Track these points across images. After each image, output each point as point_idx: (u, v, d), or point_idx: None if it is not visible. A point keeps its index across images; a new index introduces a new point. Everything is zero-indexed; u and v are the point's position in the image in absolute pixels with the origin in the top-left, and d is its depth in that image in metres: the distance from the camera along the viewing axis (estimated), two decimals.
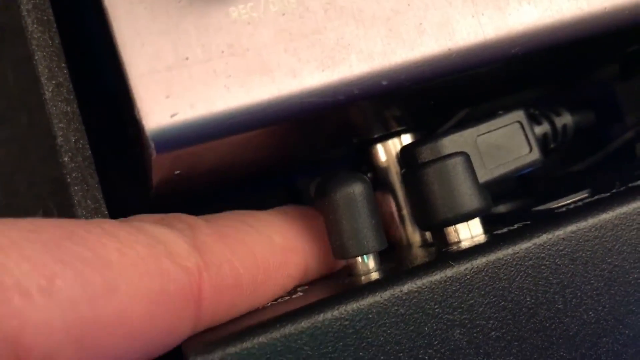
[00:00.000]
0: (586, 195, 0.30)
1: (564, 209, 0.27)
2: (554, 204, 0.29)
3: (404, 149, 0.28)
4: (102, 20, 0.20)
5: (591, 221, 0.26)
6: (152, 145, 0.20)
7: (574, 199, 0.30)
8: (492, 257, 0.25)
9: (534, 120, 0.29)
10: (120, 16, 0.20)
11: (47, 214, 0.27)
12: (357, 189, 0.26)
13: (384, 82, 0.22)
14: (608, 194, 0.28)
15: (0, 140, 0.34)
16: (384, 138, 0.31)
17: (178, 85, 0.20)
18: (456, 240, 0.27)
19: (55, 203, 0.27)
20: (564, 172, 0.38)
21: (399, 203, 0.30)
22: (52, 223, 0.18)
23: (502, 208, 0.34)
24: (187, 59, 0.20)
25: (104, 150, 0.25)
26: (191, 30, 0.21)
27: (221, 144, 0.22)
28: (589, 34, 0.26)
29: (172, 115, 0.20)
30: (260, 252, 0.22)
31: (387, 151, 0.31)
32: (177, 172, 0.22)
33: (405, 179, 0.29)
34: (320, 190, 0.26)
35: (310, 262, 0.25)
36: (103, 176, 0.24)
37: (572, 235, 0.26)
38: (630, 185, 0.28)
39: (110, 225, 0.19)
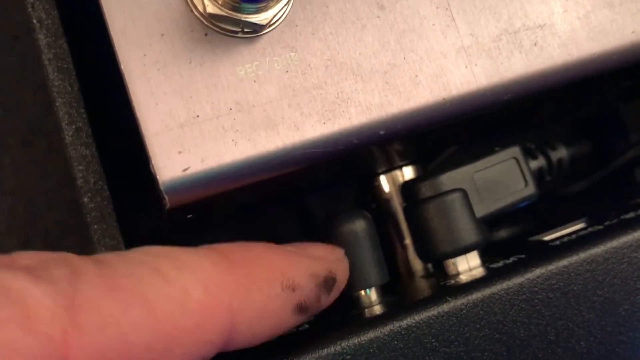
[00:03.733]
0: (582, 225, 0.32)
1: (557, 242, 0.29)
2: (549, 235, 0.31)
3: (405, 185, 0.30)
4: (119, 80, 0.22)
5: (582, 255, 0.27)
6: (166, 197, 0.21)
7: (570, 230, 0.31)
8: (487, 292, 0.26)
9: (530, 155, 0.30)
10: (136, 77, 0.22)
11: (69, 247, 0.29)
12: (359, 226, 0.27)
13: (382, 132, 0.24)
14: (601, 227, 0.29)
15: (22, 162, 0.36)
16: (386, 171, 0.32)
17: (189, 141, 0.22)
18: (455, 272, 0.28)
19: (75, 240, 0.28)
20: (565, 192, 0.39)
21: (401, 233, 0.31)
22: None
23: (503, 233, 0.36)
24: (197, 116, 0.22)
25: (122, 188, 0.27)
26: (201, 89, 0.22)
27: (231, 190, 0.23)
28: (579, 77, 0.27)
29: (185, 170, 0.21)
30: (165, 311, 0.17)
31: (389, 184, 0.32)
32: (189, 216, 0.24)
33: (407, 213, 0.30)
34: (325, 228, 0.28)
35: (241, 323, 0.19)
36: (121, 214, 0.25)
37: (564, 269, 0.27)
38: (622, 217, 0.29)
39: None
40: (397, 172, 0.31)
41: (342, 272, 0.23)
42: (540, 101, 0.27)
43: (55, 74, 0.24)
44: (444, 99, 0.24)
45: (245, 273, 0.19)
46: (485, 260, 0.29)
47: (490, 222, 0.29)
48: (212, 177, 0.21)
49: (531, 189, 0.29)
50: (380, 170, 0.31)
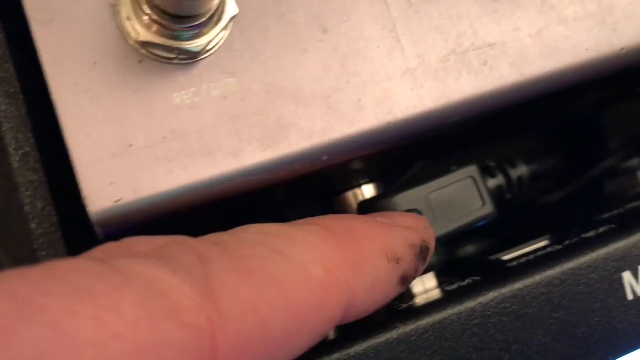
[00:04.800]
0: (545, 243, 0.31)
1: (515, 262, 0.28)
2: (509, 254, 0.30)
3: (360, 205, 0.29)
4: (52, 107, 0.22)
5: (538, 278, 0.26)
6: (99, 229, 0.21)
7: (531, 248, 0.30)
8: (438, 316, 0.25)
9: (488, 173, 0.29)
10: (67, 107, 0.21)
11: None
12: None
13: (325, 157, 0.23)
14: (560, 246, 0.28)
15: None
16: (348, 189, 0.31)
17: (121, 172, 0.21)
18: (410, 294, 0.28)
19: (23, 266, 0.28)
20: (540, 203, 0.38)
21: None
22: None
23: (470, 248, 0.35)
24: (130, 145, 0.21)
25: (71, 214, 0.26)
26: (135, 118, 0.21)
27: (171, 215, 0.23)
28: (532, 96, 0.26)
29: (116, 201, 0.21)
30: (294, 291, 0.16)
31: (351, 202, 0.32)
32: None
33: None
34: None
35: (356, 297, 0.19)
36: (69, 240, 0.25)
37: (519, 292, 0.26)
38: (582, 236, 0.29)
39: (82, 275, 0.14)
40: (357, 191, 0.31)
41: (432, 241, 0.23)
42: (495, 119, 0.27)
43: (2, 98, 0.24)
44: (388, 122, 0.23)
45: (353, 247, 0.19)
46: (442, 280, 0.28)
47: (449, 242, 0.28)
48: (145, 206, 0.21)
49: (488, 208, 0.28)
50: (341, 188, 0.31)
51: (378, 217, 0.22)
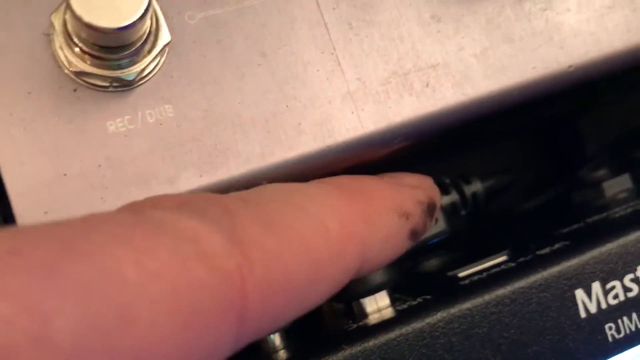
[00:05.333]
0: (503, 259, 0.31)
1: (467, 280, 0.28)
2: (466, 270, 0.30)
3: None
4: None
5: (487, 297, 0.26)
6: None
7: (490, 264, 0.30)
8: (385, 338, 0.25)
9: (442, 189, 0.29)
10: (1, 136, 0.21)
11: None
12: None
13: (264, 182, 0.23)
14: (513, 264, 0.28)
15: None
16: None
17: (56, 201, 0.21)
18: (364, 313, 0.28)
19: None
20: (518, 211, 0.38)
21: None
22: (39, 235, 0.13)
23: (432, 263, 0.35)
24: (65, 175, 0.21)
25: None
26: (70, 147, 0.21)
27: None
28: (477, 116, 0.26)
29: None
30: (314, 242, 0.17)
31: None
32: None
33: None
34: None
35: (370, 250, 0.20)
36: None
37: (468, 312, 0.26)
38: (537, 252, 0.29)
39: (119, 225, 0.14)
40: None
41: (438, 198, 0.24)
42: (446, 137, 0.27)
43: None
44: (328, 146, 0.23)
45: (366, 204, 0.20)
46: (396, 299, 0.28)
47: (403, 259, 0.28)
48: None
49: (441, 226, 0.28)
50: None
51: (387, 177, 0.23)
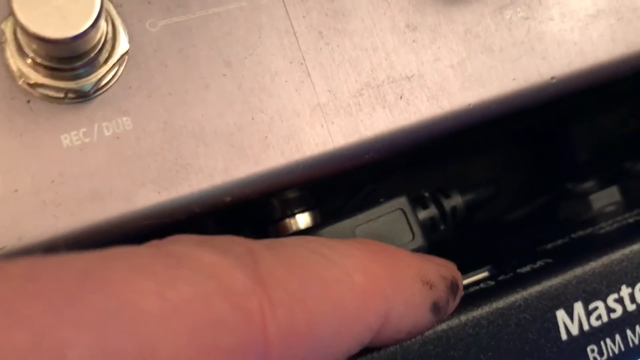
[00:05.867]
0: (485, 275, 0.30)
1: None
2: None
3: (288, 236, 0.28)
4: None
5: (464, 318, 0.25)
6: None
7: (471, 280, 0.29)
8: None
9: (420, 204, 0.28)
10: None
11: None
12: None
13: (228, 198, 0.22)
14: (492, 283, 0.27)
15: None
16: (281, 219, 0.30)
17: (6, 218, 0.20)
18: None
19: None
20: (487, 225, 0.36)
21: None
22: (58, 263, 0.13)
23: None
24: (16, 191, 0.20)
25: None
26: (21, 162, 0.20)
27: None
28: (454, 130, 0.25)
29: (0, 249, 0.20)
30: (338, 291, 0.17)
31: (286, 231, 0.30)
32: None
33: None
34: None
35: (392, 311, 0.19)
36: None
37: (443, 334, 0.25)
38: (517, 271, 0.28)
39: (140, 257, 0.14)
40: (292, 221, 0.29)
41: (461, 282, 0.23)
42: (427, 149, 0.25)
43: None
44: (296, 161, 0.22)
45: (391, 264, 0.19)
46: None
47: None
48: (30, 254, 0.20)
49: (419, 242, 0.27)
50: (276, 217, 0.30)
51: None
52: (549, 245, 0.29)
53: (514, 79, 0.24)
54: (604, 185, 0.34)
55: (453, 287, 0.22)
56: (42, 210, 0.20)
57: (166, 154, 0.21)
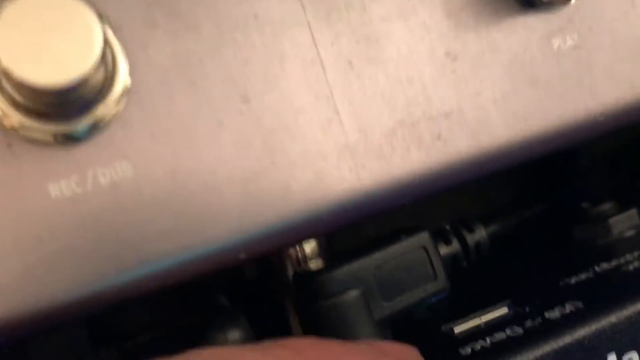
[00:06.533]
0: (504, 312, 0.27)
1: (468, 349, 0.24)
2: (461, 325, 0.26)
3: (296, 277, 0.25)
4: None
5: None
6: None
7: (490, 317, 0.27)
8: None
9: (442, 238, 0.25)
10: None
11: None
12: (232, 339, 0.23)
13: (242, 255, 0.19)
14: (521, 331, 0.25)
15: None
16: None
17: None
18: None
19: None
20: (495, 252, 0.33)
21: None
22: None
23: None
24: None
25: None
26: (2, 215, 0.17)
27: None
28: (494, 170, 0.22)
29: None
30: None
31: (289, 259, 0.28)
32: None
33: (297, 309, 0.26)
34: (201, 337, 0.24)
35: None
36: None
37: None
38: (546, 316, 0.25)
39: None
40: (297, 249, 0.27)
41: None
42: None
43: None
44: (321, 210, 0.19)
45: None
46: None
47: (397, 320, 0.24)
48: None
49: (441, 283, 0.24)
50: None
51: (362, 345, 0.19)
52: (573, 280, 0.27)
53: (559, 115, 0.21)
54: (621, 207, 0.32)
55: None
56: (28, 274, 0.17)
57: (173, 205, 0.18)
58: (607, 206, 0.32)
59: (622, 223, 0.31)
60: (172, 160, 0.18)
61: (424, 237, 0.24)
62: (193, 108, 0.18)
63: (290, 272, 0.27)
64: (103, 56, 0.14)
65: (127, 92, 0.17)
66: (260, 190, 0.18)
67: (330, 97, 0.19)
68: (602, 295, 0.25)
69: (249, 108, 0.18)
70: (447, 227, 0.25)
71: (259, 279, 0.29)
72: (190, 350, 0.15)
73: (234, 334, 0.22)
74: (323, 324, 0.23)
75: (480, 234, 0.25)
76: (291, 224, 0.19)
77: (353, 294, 0.23)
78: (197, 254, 0.18)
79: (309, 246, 0.27)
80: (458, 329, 0.26)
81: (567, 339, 0.23)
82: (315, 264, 0.25)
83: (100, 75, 0.16)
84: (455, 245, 0.25)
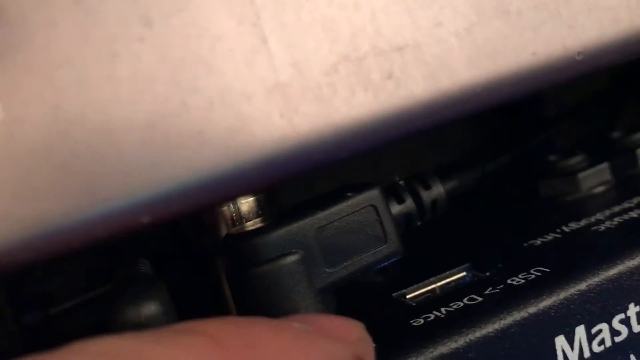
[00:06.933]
0: (463, 275, 0.25)
1: (420, 320, 0.22)
2: (414, 291, 0.23)
3: (227, 239, 0.22)
4: None
5: (445, 350, 0.20)
6: None
7: (444, 282, 0.24)
8: None
9: (394, 195, 0.22)
10: None
11: None
12: (145, 314, 0.20)
13: (146, 219, 0.15)
14: (480, 299, 0.22)
15: None
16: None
17: None
18: None
19: None
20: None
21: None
22: None
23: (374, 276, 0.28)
24: None
25: None
26: None
27: None
28: (455, 117, 0.19)
29: None
30: None
31: (223, 218, 0.24)
32: None
33: (228, 275, 0.22)
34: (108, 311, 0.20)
35: None
36: None
37: None
38: (508, 282, 0.22)
39: None
40: (232, 207, 0.23)
41: (369, 357, 0.16)
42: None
43: None
44: (244, 163, 0.16)
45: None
46: None
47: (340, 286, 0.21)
48: None
49: (393, 246, 0.21)
50: None
51: (295, 323, 0.16)
52: (539, 241, 0.24)
53: (533, 53, 0.18)
54: (592, 161, 0.29)
55: None
56: None
57: (55, 156, 0.14)
58: (576, 160, 0.29)
59: (592, 178, 0.28)
60: (54, 100, 0.14)
61: (373, 195, 0.21)
62: (80, 34, 0.14)
63: (223, 232, 0.23)
64: None
65: None
66: (167, 138, 0.15)
67: (256, 22, 0.15)
68: (571, 260, 0.22)
69: (151, 34, 0.15)
70: (400, 182, 0.22)
71: (190, 239, 0.26)
72: (74, 343, 0.12)
73: (149, 308, 0.18)
74: (256, 293, 0.20)
75: (437, 191, 0.22)
76: (206, 182, 0.15)
77: (291, 259, 0.20)
78: (85, 218, 0.14)
79: (246, 203, 0.23)
80: (410, 295, 0.23)
81: (531, 309, 0.20)
82: (253, 225, 0.22)
83: None
84: (409, 204, 0.22)
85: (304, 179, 0.29)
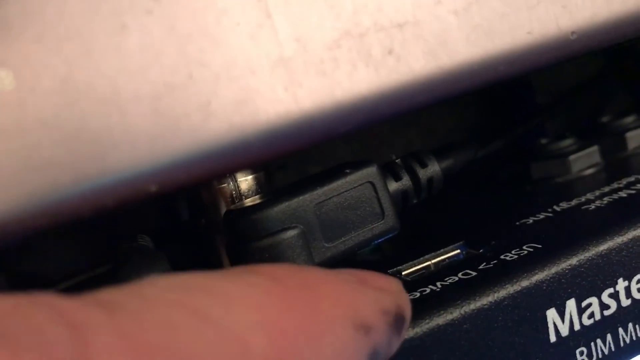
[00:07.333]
0: (456, 253, 0.25)
1: (417, 293, 0.22)
2: (409, 268, 0.24)
3: (227, 215, 0.22)
4: None
5: (442, 322, 0.21)
6: None
7: (438, 260, 0.25)
8: None
9: (392, 173, 0.23)
10: None
11: None
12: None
13: (153, 188, 0.16)
14: (474, 274, 0.23)
15: None
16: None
17: None
18: None
19: None
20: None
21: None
22: None
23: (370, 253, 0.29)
24: None
25: None
26: None
27: None
28: (452, 94, 0.19)
29: None
30: None
31: (223, 196, 0.25)
32: None
33: (228, 250, 0.23)
34: (114, 278, 0.21)
35: None
36: None
37: (419, 342, 0.20)
38: (501, 257, 0.23)
39: None
40: (232, 185, 0.23)
41: (408, 309, 0.17)
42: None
43: None
44: (248, 135, 0.16)
45: (311, 308, 0.14)
46: None
47: (338, 262, 0.22)
48: None
49: (390, 222, 0.21)
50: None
51: (342, 274, 0.16)
52: (531, 220, 0.25)
53: (528, 32, 0.18)
54: (582, 144, 0.30)
55: (397, 321, 0.16)
56: None
57: (64, 125, 0.14)
58: (566, 143, 0.29)
59: (583, 161, 0.29)
60: (64, 71, 0.14)
61: (371, 172, 0.21)
62: (89, 6, 0.14)
63: (223, 210, 0.24)
64: None
65: None
66: (174, 109, 0.15)
67: None
68: (562, 237, 0.23)
69: (159, 7, 0.15)
70: (397, 160, 0.22)
71: (189, 218, 0.26)
72: (144, 279, 0.12)
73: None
74: None
75: (433, 169, 0.23)
76: (212, 152, 0.15)
77: (290, 233, 0.20)
78: (95, 187, 0.15)
79: (246, 181, 0.24)
80: (406, 272, 0.23)
81: (524, 283, 0.21)
82: (251, 202, 0.22)
83: None
84: (406, 181, 0.22)
85: (297, 163, 0.29)
